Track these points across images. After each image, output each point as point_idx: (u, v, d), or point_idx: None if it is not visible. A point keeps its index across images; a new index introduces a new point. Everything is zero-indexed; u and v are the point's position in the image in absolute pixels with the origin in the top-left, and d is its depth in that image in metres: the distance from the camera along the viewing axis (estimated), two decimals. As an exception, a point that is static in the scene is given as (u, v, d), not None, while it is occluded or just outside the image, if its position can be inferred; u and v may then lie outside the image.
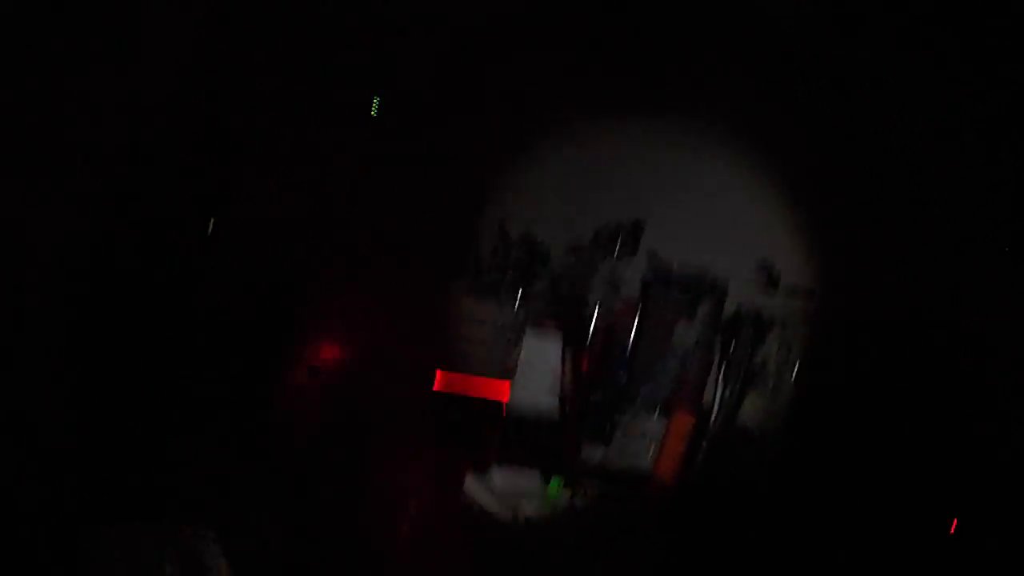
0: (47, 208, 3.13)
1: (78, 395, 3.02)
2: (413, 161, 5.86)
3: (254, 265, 4.28)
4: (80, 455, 2.86)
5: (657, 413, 4.69)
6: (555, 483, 3.79)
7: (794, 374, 4.59)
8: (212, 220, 4.02)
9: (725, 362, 4.62)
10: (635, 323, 4.94)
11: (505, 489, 3.75)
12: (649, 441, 4.51)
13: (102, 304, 3.32)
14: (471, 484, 3.87)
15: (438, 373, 5.42)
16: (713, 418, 4.50)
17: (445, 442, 5.09)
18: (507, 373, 4.50)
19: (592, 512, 3.74)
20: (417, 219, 5.77)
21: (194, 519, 3.04)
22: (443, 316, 5.56)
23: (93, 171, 3.34)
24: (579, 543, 3.39)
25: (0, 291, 2.89)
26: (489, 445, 4.39)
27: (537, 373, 4.31)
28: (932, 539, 3.54)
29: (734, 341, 4.68)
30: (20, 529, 2.42)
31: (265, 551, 3.18)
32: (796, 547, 3.71)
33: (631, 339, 4.91)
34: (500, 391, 4.58)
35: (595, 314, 4.90)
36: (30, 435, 2.68)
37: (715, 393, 4.57)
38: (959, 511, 3.57)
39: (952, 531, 3.49)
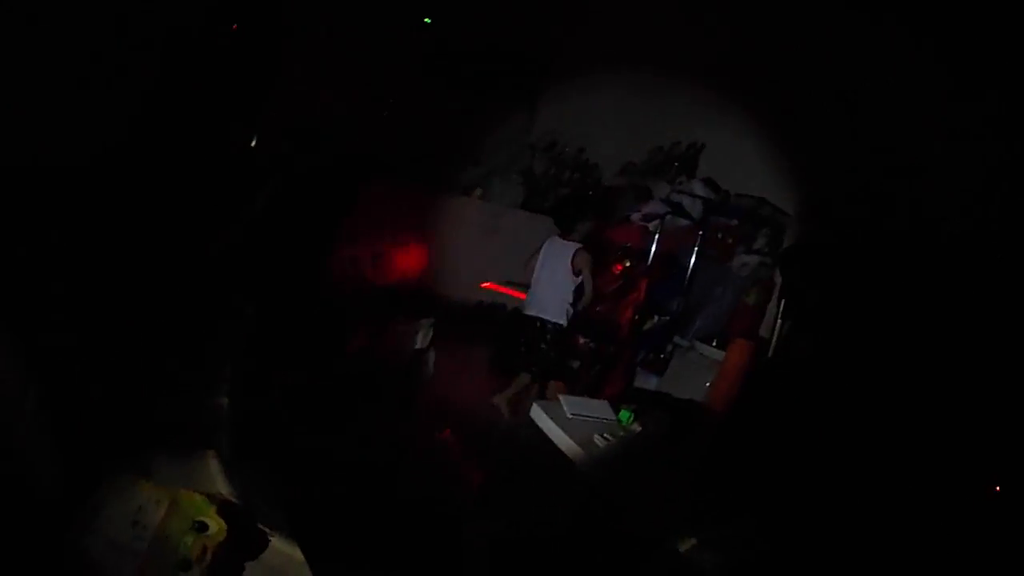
0: (91, 96, 2.69)
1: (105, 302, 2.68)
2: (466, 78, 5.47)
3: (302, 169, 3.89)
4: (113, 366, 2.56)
5: (714, 343, 4.58)
6: (626, 413, 3.66)
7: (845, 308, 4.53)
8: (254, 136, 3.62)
9: (784, 295, 4.50)
10: (692, 250, 4.76)
11: (573, 417, 3.60)
12: (704, 371, 4.41)
13: (139, 197, 2.95)
14: (536, 411, 3.70)
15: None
16: (771, 350, 4.40)
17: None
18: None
19: (646, 442, 3.63)
20: (467, 135, 5.43)
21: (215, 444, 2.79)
22: (489, 230, 5.30)
23: (134, 59, 2.90)
24: (632, 473, 3.29)
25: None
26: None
27: (551, 285, 4.17)
28: (975, 482, 3.56)
29: (791, 273, 4.55)
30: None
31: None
32: (844, 477, 3.71)
33: (689, 266, 4.74)
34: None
35: (655, 238, 4.70)
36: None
37: (774, 325, 4.47)
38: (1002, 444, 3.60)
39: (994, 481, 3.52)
